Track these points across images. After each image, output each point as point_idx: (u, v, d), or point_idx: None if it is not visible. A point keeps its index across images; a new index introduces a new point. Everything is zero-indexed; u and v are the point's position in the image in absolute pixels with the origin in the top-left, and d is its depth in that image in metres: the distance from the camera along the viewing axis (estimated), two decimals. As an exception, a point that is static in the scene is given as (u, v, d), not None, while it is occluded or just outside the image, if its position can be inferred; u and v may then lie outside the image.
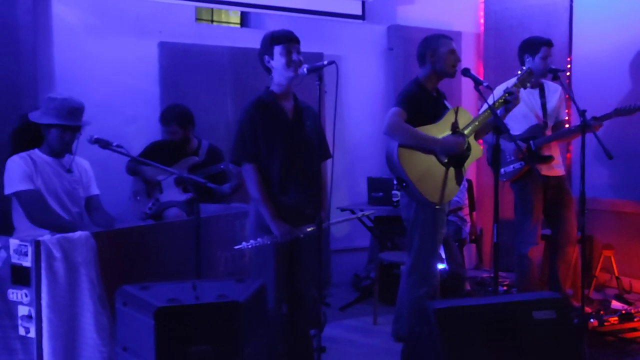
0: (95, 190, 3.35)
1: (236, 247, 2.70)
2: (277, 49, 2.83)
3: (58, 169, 3.15)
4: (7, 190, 3.03)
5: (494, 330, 2.46)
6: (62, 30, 4.28)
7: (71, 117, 3.07)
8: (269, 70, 2.91)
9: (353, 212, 4.27)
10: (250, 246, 2.68)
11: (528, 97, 3.90)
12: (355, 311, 4.46)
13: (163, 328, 1.81)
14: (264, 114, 2.85)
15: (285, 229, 2.79)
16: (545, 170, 3.89)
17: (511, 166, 3.95)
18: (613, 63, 4.80)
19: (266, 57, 2.87)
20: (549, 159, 3.91)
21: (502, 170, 3.97)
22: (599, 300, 4.34)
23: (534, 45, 3.86)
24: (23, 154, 3.09)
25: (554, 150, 4.00)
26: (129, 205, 4.06)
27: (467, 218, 4.83)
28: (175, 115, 3.93)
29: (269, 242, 2.74)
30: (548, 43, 3.86)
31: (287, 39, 2.83)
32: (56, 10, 4.27)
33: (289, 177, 2.87)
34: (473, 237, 4.95)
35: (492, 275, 4.90)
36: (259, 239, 2.71)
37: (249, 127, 2.82)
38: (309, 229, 2.81)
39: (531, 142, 3.90)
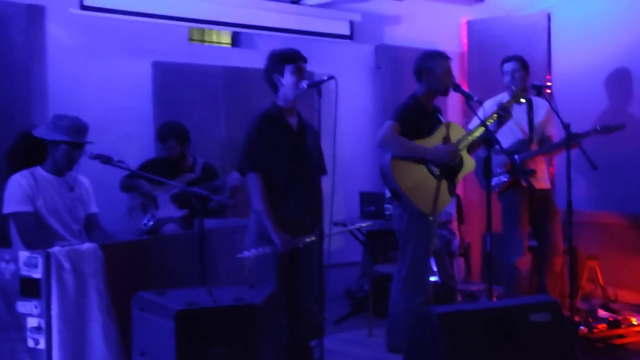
0: (94, 209, 3.37)
1: (239, 255, 2.76)
2: (289, 68, 2.94)
3: (60, 187, 3.15)
4: (5, 210, 3.03)
5: (495, 332, 2.54)
6: (56, 50, 4.32)
7: (80, 135, 3.12)
8: (275, 87, 3.01)
9: (345, 226, 4.35)
10: (252, 255, 2.75)
11: (515, 111, 4.03)
12: (349, 324, 4.51)
13: (183, 330, 1.85)
14: (271, 126, 2.96)
15: (287, 238, 2.87)
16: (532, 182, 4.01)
17: (496, 178, 4.06)
18: (591, 80, 4.97)
19: (275, 75, 2.98)
20: (531, 172, 4.03)
21: None
22: (585, 309, 4.44)
23: (501, 62, 4.10)
24: (25, 171, 3.09)
25: (540, 164, 4.13)
26: (124, 221, 4.08)
27: (456, 231, 4.93)
28: (173, 132, 3.99)
29: (270, 252, 2.81)
30: (506, 59, 4.07)
31: (298, 59, 2.96)
32: (50, 30, 4.31)
33: (292, 189, 2.96)
34: (462, 251, 5.04)
35: (481, 288, 5.01)
36: (260, 248, 2.79)
37: (257, 139, 2.92)
38: (308, 240, 2.88)
39: (516, 156, 4.03)
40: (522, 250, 4.03)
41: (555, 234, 4.07)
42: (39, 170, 3.12)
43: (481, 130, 3.35)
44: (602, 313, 4.25)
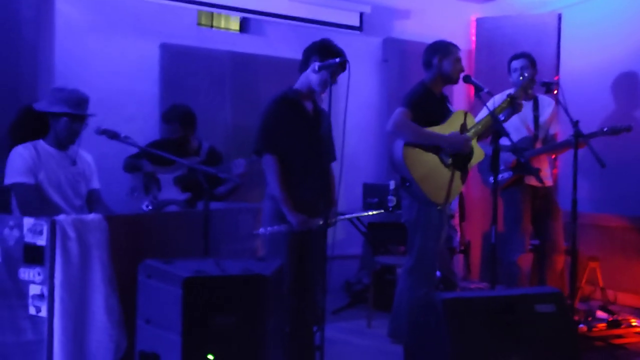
0: (96, 184, 3.34)
1: (255, 232, 2.77)
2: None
3: (62, 161, 3.12)
4: (7, 181, 3.01)
5: (499, 320, 2.53)
6: (64, 27, 4.31)
7: (80, 107, 3.09)
8: (305, 66, 2.98)
9: (343, 213, 4.33)
10: (267, 232, 2.75)
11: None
12: (348, 315, 4.50)
13: (190, 298, 1.83)
14: (289, 109, 2.95)
15: (302, 218, 2.87)
16: (534, 180, 4.00)
17: (499, 175, 4.05)
18: (599, 82, 4.99)
19: (315, 58, 2.92)
20: (536, 171, 4.02)
21: (490, 178, 4.07)
22: (584, 310, 4.44)
23: (509, 60, 4.10)
24: (28, 144, 3.06)
25: (543, 163, 4.12)
26: (126, 201, 4.05)
27: (457, 227, 4.93)
28: (179, 115, 3.97)
29: (284, 230, 2.81)
30: (514, 56, 4.06)
31: (343, 64, 2.83)
32: (59, 7, 4.29)
33: (306, 172, 2.96)
34: (462, 247, 5.04)
35: (480, 286, 5.00)
36: (275, 226, 2.79)
37: (274, 120, 2.91)
38: (321, 222, 2.87)
39: None
40: (523, 248, 4.02)
41: (557, 232, 4.06)
42: (41, 144, 3.09)
43: (489, 120, 3.34)
44: (600, 314, 4.25)
